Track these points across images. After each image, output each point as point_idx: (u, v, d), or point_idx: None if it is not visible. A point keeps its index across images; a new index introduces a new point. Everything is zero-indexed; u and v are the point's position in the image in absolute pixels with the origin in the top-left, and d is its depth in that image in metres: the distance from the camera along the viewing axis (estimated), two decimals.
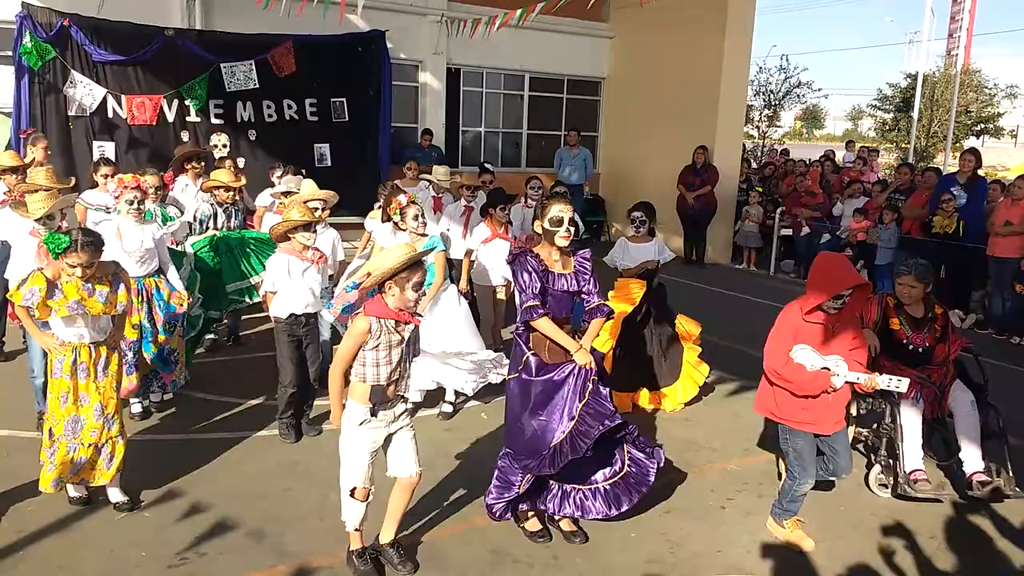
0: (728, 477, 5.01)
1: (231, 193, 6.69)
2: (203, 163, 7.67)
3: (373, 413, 3.53)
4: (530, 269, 3.87)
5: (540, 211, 3.97)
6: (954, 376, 4.85)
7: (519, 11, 8.59)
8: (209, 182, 6.74)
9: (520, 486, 3.93)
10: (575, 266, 4.02)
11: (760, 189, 13.01)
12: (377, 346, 3.47)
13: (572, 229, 3.91)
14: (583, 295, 4.01)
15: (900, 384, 3.90)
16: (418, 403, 5.61)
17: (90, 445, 4.18)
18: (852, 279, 3.82)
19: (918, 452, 4.61)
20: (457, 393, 5.74)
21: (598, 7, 13.87)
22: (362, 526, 3.72)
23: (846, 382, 3.89)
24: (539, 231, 3.98)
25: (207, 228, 6.64)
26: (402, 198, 5.52)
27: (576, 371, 3.88)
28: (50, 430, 4.17)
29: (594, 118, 15.39)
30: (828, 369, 3.86)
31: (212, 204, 6.69)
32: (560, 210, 3.89)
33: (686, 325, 6.16)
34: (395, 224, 5.62)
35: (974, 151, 9.89)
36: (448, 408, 5.78)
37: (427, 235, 5.60)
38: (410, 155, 11.61)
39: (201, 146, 9.36)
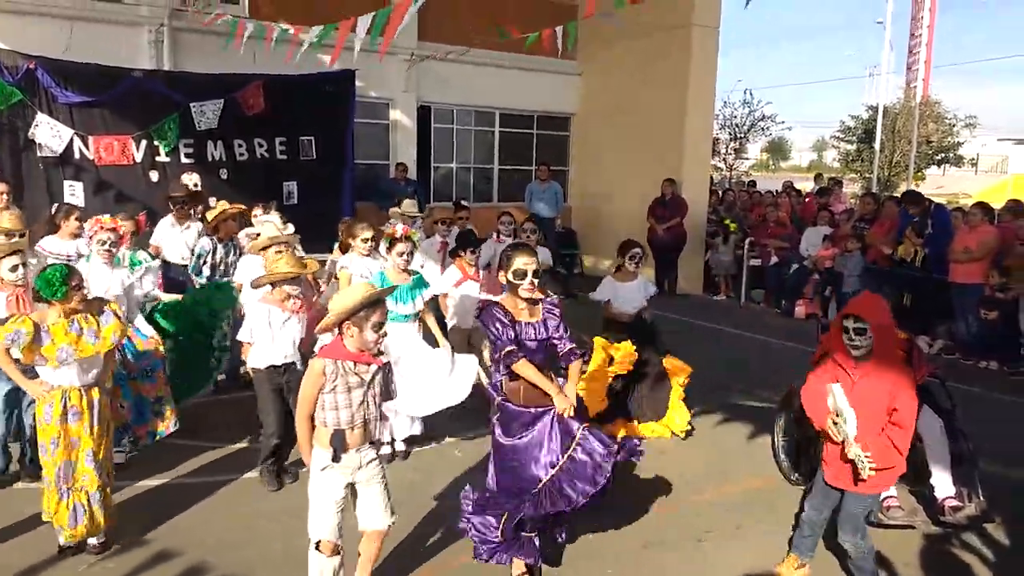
0: (705, 508, 4.99)
1: (238, 226, 6.93)
2: (186, 206, 7.72)
3: (335, 459, 3.42)
4: (500, 317, 3.83)
5: (505, 262, 3.91)
6: (921, 402, 4.90)
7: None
8: (217, 214, 6.85)
9: (500, 529, 3.85)
10: (543, 313, 3.96)
11: (734, 226, 13.04)
12: (334, 389, 3.39)
13: (536, 282, 3.85)
14: (554, 340, 3.97)
15: (863, 464, 3.59)
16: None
17: (82, 490, 4.07)
18: (859, 308, 3.69)
19: None
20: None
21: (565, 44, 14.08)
22: None
23: (844, 440, 3.64)
24: (504, 281, 3.94)
25: (205, 263, 6.72)
26: (398, 228, 5.52)
27: (555, 417, 3.81)
28: (46, 479, 4.06)
29: (564, 153, 15.57)
30: (836, 415, 3.67)
31: (212, 240, 6.74)
32: (524, 263, 3.82)
33: (675, 362, 6.17)
34: (371, 252, 5.67)
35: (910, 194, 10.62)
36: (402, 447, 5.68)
37: (413, 272, 5.59)
38: (386, 188, 11.73)
39: (171, 186, 9.27)
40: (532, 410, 3.84)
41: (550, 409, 3.83)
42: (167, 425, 5.39)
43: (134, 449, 5.40)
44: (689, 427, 6.15)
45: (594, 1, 5.47)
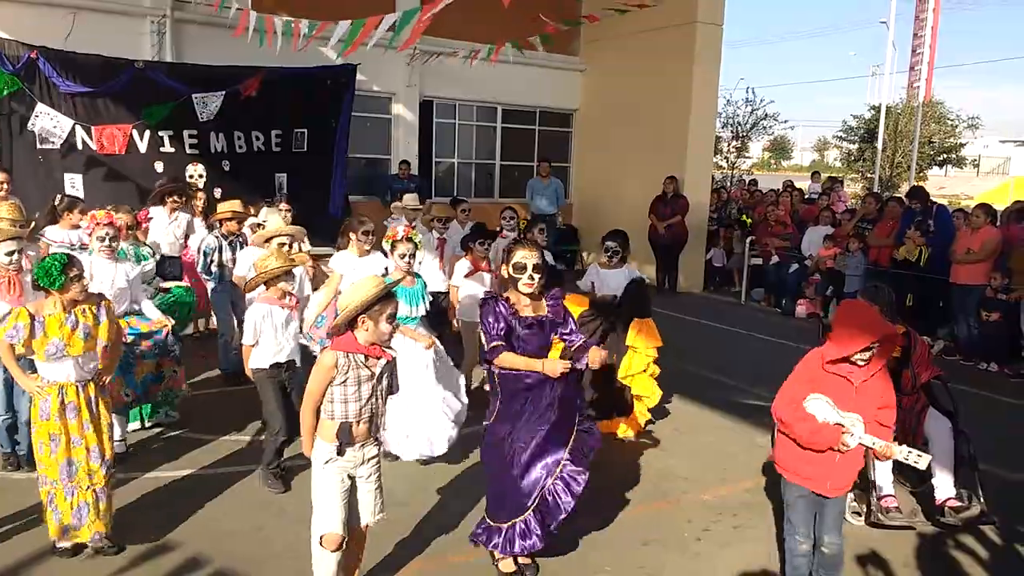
0: (704, 507, 4.99)
1: (239, 224, 6.86)
2: (184, 198, 7.74)
3: (340, 452, 3.40)
4: (497, 313, 3.79)
5: (506, 256, 3.87)
6: (926, 404, 4.89)
7: (487, 47, 8.72)
8: (220, 214, 6.85)
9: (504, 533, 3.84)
10: (547, 308, 3.94)
11: (749, 221, 13.02)
12: (345, 381, 3.37)
13: (536, 277, 3.79)
14: (564, 337, 3.97)
15: (920, 460, 3.45)
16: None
17: (88, 488, 3.98)
18: (880, 329, 3.49)
19: (889, 478, 4.64)
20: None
21: (566, 41, 14.08)
22: None
23: (860, 444, 3.49)
24: (504, 275, 3.91)
25: (212, 261, 6.65)
26: (400, 230, 5.44)
27: (552, 388, 3.78)
28: (43, 477, 3.96)
29: (566, 149, 15.56)
30: (842, 426, 3.48)
31: (218, 237, 6.73)
32: (524, 256, 3.78)
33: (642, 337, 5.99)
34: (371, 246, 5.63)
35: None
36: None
37: (416, 276, 5.53)
38: (386, 184, 11.72)
39: (176, 177, 9.23)
40: (530, 379, 3.77)
41: (547, 385, 3.79)
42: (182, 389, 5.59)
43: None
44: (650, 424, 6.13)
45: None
